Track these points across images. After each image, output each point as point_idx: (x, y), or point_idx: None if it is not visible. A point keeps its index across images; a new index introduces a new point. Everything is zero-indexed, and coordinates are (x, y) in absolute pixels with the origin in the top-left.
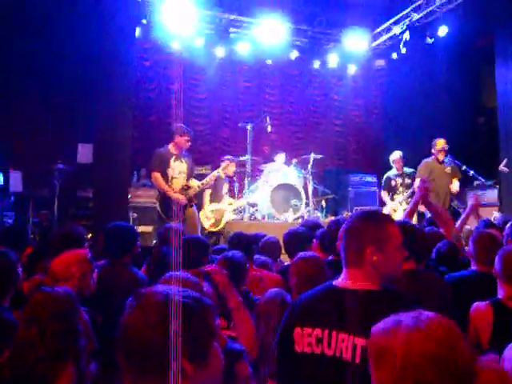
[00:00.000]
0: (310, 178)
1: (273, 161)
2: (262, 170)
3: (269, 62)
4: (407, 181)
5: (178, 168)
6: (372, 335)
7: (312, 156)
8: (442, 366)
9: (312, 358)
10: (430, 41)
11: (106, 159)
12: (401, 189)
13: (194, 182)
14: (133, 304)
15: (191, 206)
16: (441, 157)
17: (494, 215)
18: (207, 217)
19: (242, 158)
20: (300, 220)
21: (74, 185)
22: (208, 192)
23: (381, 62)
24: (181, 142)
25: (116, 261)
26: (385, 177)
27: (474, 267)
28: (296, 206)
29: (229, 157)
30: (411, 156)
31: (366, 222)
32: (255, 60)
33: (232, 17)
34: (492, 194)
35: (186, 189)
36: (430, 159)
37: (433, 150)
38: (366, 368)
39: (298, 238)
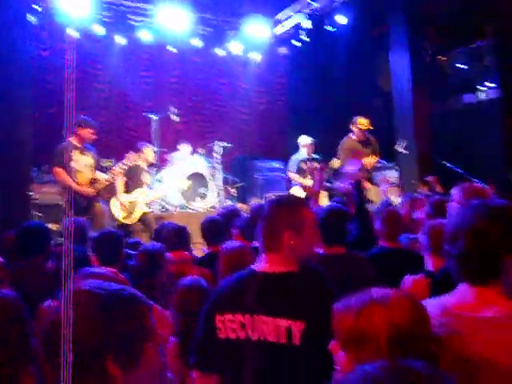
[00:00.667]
0: (219, 166)
1: (177, 150)
2: (168, 160)
3: (172, 49)
4: (316, 166)
5: (83, 161)
6: (337, 318)
7: (217, 144)
8: (422, 336)
9: (237, 343)
10: (330, 29)
11: (3, 158)
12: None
13: (101, 176)
14: (61, 301)
15: (98, 201)
16: (362, 136)
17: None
18: (120, 208)
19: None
20: (212, 209)
21: None
22: (122, 181)
23: (284, 50)
24: (84, 134)
25: (30, 262)
26: (293, 158)
27: (382, 243)
28: (204, 194)
29: (146, 144)
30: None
31: (282, 208)
32: (158, 48)
33: (132, 4)
34: (393, 175)
35: (93, 182)
36: (350, 138)
37: (353, 128)
38: (291, 347)
39: (215, 226)
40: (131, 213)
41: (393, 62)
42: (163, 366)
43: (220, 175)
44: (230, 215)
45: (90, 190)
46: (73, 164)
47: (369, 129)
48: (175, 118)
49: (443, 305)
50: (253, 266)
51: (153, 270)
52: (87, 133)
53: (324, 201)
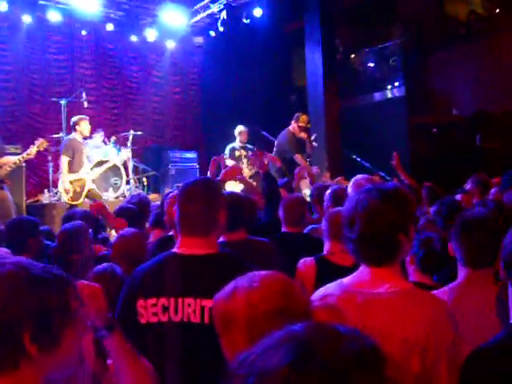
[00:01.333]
0: (130, 155)
1: (90, 138)
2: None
3: (84, 32)
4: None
5: None
6: (215, 303)
7: (131, 133)
8: (283, 315)
9: (158, 326)
10: (246, 21)
11: None
12: (244, 161)
13: (6, 159)
14: None
15: (1, 187)
16: (302, 134)
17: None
18: (65, 189)
19: (56, 136)
20: (121, 198)
21: None
22: (66, 160)
23: (199, 39)
24: None
25: None
26: (229, 146)
27: (284, 229)
28: (116, 184)
29: (83, 116)
30: (228, 131)
31: (212, 189)
32: (68, 31)
33: None
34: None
35: None
36: (290, 132)
37: (294, 124)
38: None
39: (127, 215)
40: (78, 193)
41: (307, 58)
42: (83, 355)
43: (131, 164)
44: (142, 204)
45: None
46: None
47: (306, 127)
48: (85, 104)
49: (344, 284)
50: (174, 250)
51: (71, 250)
52: None
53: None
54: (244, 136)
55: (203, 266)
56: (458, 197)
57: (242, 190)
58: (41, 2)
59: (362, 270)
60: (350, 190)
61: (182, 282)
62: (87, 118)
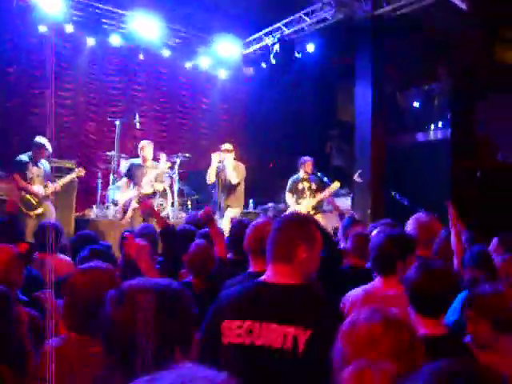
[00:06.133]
0: (177, 178)
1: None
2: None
3: (141, 56)
4: (313, 186)
5: (36, 172)
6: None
7: (180, 156)
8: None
9: (240, 348)
10: (298, 55)
11: None
12: (307, 193)
13: (50, 185)
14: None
15: (47, 201)
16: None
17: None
18: (123, 207)
19: (108, 153)
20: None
21: None
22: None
23: (249, 70)
24: (37, 154)
25: None
26: (291, 179)
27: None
28: (162, 205)
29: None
30: (270, 159)
31: (299, 222)
32: (127, 54)
33: (106, 7)
34: (345, 202)
35: (44, 187)
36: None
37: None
38: (295, 355)
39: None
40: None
41: (357, 93)
42: None
43: (176, 187)
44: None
45: (39, 190)
46: (28, 173)
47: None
48: (138, 125)
49: (366, 289)
50: (262, 278)
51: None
52: (40, 154)
53: None
54: (309, 167)
55: (289, 296)
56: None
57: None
58: (104, 26)
59: (378, 280)
60: (409, 227)
61: (268, 309)
62: (152, 143)
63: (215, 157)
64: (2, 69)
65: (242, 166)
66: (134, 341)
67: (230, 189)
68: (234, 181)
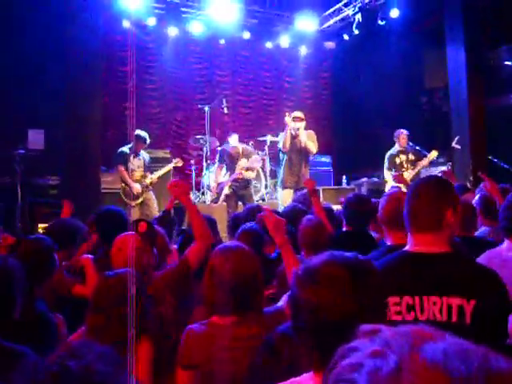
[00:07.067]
0: (267, 159)
1: (227, 142)
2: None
3: (222, 41)
4: (411, 157)
5: (136, 163)
6: None
7: (269, 138)
8: None
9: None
10: (381, 23)
11: (73, 144)
12: (406, 165)
13: (149, 175)
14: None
15: (148, 191)
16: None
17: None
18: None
19: (199, 137)
20: (260, 201)
21: (31, 172)
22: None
23: (331, 44)
24: (138, 146)
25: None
26: (388, 154)
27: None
28: (256, 187)
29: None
30: (361, 135)
31: (443, 186)
32: (208, 40)
33: None
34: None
35: (143, 178)
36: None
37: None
38: (463, 326)
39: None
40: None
41: (449, 56)
42: None
43: (268, 168)
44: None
45: (136, 187)
46: (129, 164)
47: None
48: (226, 110)
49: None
50: (408, 248)
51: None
52: (140, 146)
53: None
54: (404, 139)
55: (444, 265)
56: None
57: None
58: (184, 16)
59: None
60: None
61: (424, 281)
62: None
63: (290, 122)
64: (96, 66)
65: (314, 136)
66: (336, 323)
67: (306, 157)
68: (313, 150)
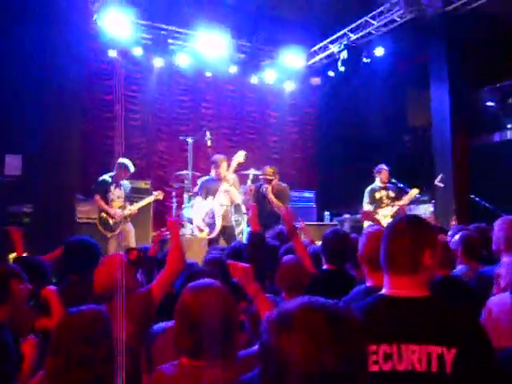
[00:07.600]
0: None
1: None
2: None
3: (208, 74)
4: (391, 194)
5: (117, 193)
6: None
7: (252, 171)
8: None
9: (381, 376)
10: (366, 60)
11: (50, 171)
12: (386, 201)
13: (128, 206)
14: None
15: (127, 222)
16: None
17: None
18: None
19: (181, 173)
20: (241, 236)
21: (7, 198)
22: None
23: (316, 80)
24: (121, 174)
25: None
26: (368, 189)
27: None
28: (237, 221)
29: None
30: (345, 171)
31: (421, 226)
32: (194, 73)
33: (171, 27)
34: (428, 209)
35: (122, 209)
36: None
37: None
38: (443, 377)
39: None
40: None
41: (433, 95)
42: None
43: (251, 202)
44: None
45: (117, 211)
46: (109, 195)
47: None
48: (209, 143)
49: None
50: (385, 292)
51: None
52: (124, 174)
53: None
54: (384, 175)
55: (423, 311)
56: None
57: None
58: (171, 47)
59: None
60: (496, 228)
61: (401, 327)
62: (225, 158)
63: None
64: (76, 93)
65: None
66: (309, 378)
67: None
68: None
